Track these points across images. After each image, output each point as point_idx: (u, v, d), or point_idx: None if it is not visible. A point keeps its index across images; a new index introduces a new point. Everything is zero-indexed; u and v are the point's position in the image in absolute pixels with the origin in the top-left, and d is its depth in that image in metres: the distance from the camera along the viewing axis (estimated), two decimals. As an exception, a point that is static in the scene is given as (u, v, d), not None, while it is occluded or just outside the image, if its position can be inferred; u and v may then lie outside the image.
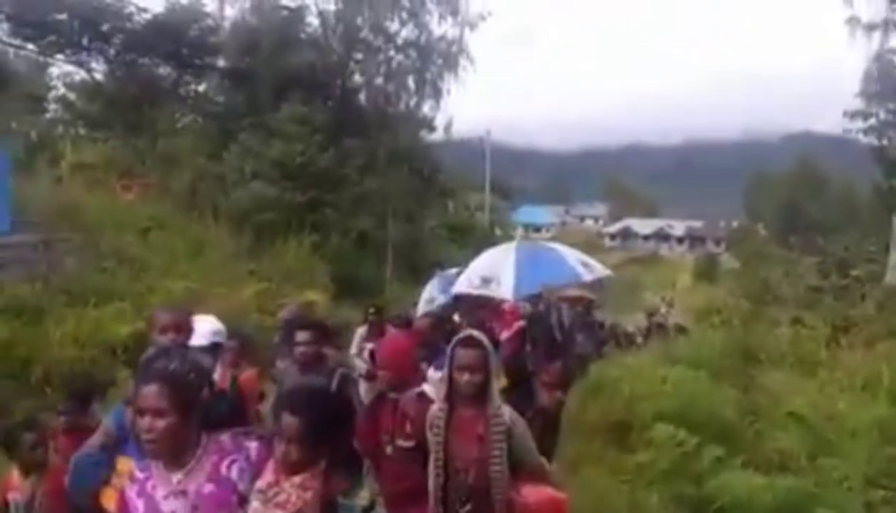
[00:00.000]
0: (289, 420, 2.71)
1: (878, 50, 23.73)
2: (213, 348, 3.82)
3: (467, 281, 8.51)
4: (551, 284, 8.27)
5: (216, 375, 3.82)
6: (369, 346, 6.84)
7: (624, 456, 6.65)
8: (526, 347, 6.69)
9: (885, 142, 24.25)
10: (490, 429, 3.18)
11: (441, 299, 10.30)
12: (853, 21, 23.79)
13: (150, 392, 2.44)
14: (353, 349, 7.56)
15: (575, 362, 6.84)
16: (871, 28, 23.49)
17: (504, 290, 7.87)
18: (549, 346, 6.49)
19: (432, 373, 5.53)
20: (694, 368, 7.92)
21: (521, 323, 7.18)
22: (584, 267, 8.24)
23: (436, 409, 3.34)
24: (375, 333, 7.24)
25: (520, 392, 6.11)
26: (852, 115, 24.94)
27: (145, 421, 2.42)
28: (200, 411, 2.59)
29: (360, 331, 7.72)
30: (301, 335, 4.55)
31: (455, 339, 3.34)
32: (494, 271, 8.10)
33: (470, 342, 3.29)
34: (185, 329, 3.69)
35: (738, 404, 6.79)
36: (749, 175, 70.37)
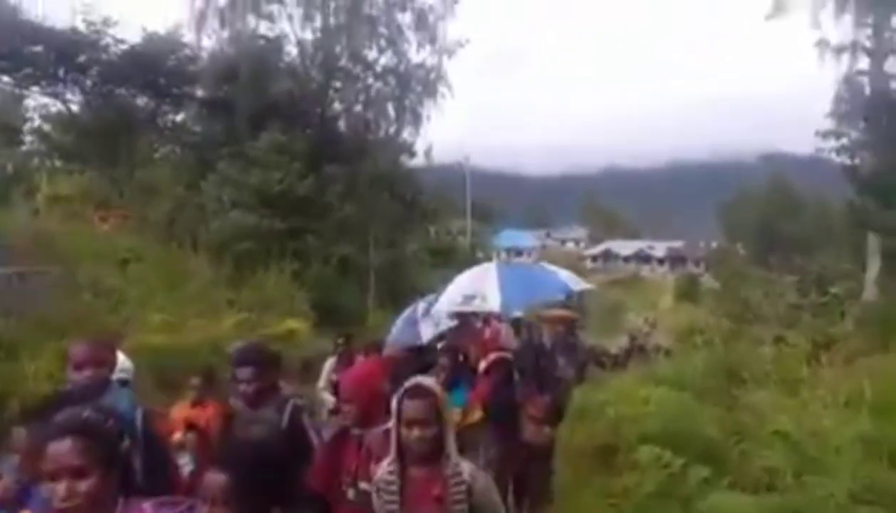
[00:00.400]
0: (212, 478, 2.26)
1: (846, 72, 24.29)
2: (120, 387, 3.40)
3: (449, 300, 8.11)
4: (541, 297, 8.08)
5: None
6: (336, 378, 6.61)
7: (611, 479, 6.61)
8: (513, 376, 6.33)
9: (857, 161, 24.62)
10: (448, 489, 2.82)
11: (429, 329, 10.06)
12: (822, 44, 24.38)
13: (65, 449, 1.96)
14: (322, 382, 7.22)
15: (565, 394, 6.51)
16: (839, 50, 24.06)
17: (491, 304, 7.52)
18: (537, 376, 6.12)
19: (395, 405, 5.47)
20: (677, 389, 7.91)
21: (500, 354, 6.78)
22: (572, 280, 8.00)
23: (384, 471, 2.93)
24: (345, 364, 6.91)
25: (506, 427, 5.81)
26: (824, 135, 25.31)
27: (61, 487, 1.93)
28: (121, 468, 2.16)
29: (329, 362, 7.35)
30: (241, 372, 4.05)
31: (401, 389, 2.90)
32: (478, 288, 7.71)
33: (417, 392, 2.87)
34: (107, 363, 3.28)
35: (722, 423, 6.77)
36: (726, 195, 71.23)
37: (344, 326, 16.14)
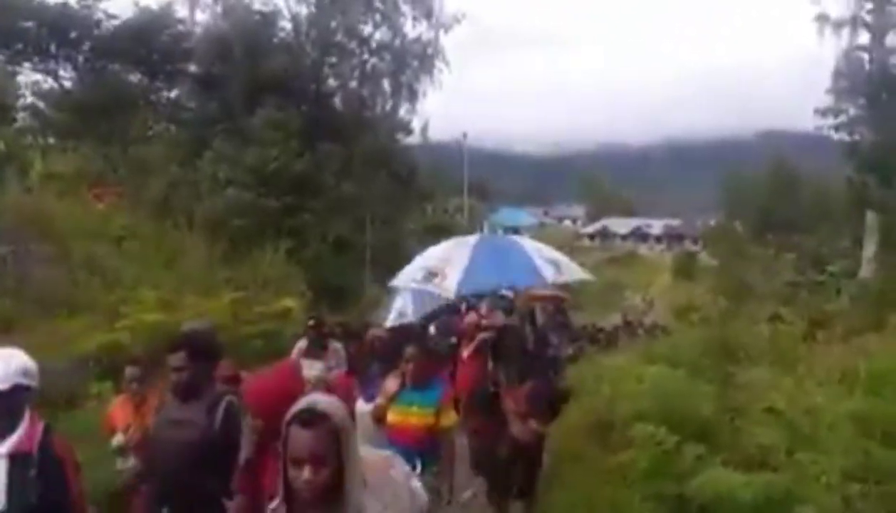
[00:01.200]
0: None
1: (846, 47, 24.14)
2: (17, 393, 2.89)
3: (408, 275, 7.07)
4: (504, 285, 7.13)
5: (22, 431, 2.90)
6: (312, 364, 6.24)
7: (605, 456, 6.63)
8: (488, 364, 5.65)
9: (856, 138, 24.54)
10: None
11: (410, 313, 9.78)
12: (822, 18, 24.21)
13: None
14: None
15: (557, 379, 5.74)
16: (839, 25, 23.89)
17: (447, 285, 6.44)
18: (518, 363, 5.36)
19: (361, 406, 4.84)
20: (673, 366, 7.91)
21: (484, 336, 6.06)
22: (553, 266, 6.72)
23: None
24: (316, 347, 6.49)
25: (495, 421, 5.30)
26: (823, 112, 25.23)
27: None
28: None
29: (299, 345, 6.75)
30: (173, 358, 3.61)
31: (291, 413, 2.15)
32: (443, 264, 6.65)
33: (308, 418, 2.10)
34: None
35: (717, 401, 6.77)
36: (724, 173, 71.17)
37: (340, 304, 16.16)
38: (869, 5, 23.43)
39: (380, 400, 4.53)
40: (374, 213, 22.47)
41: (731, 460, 5.68)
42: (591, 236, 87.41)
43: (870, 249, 22.51)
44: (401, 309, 10.08)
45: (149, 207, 16.72)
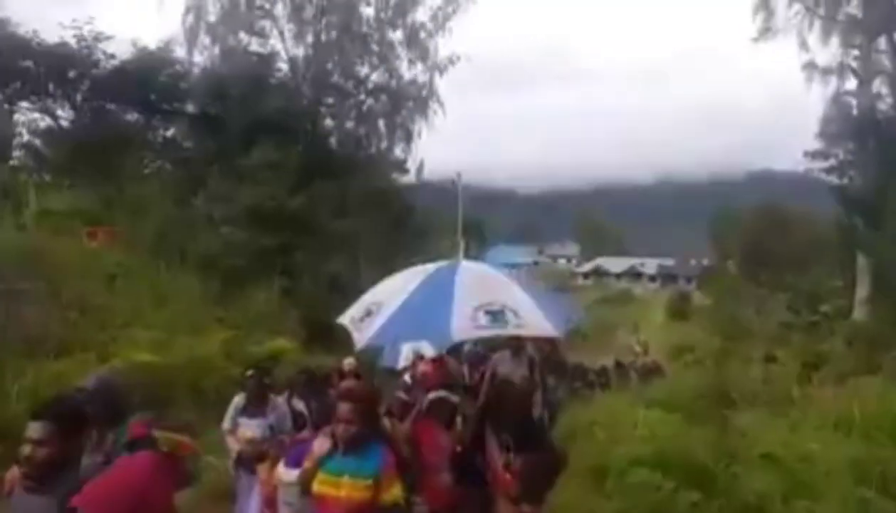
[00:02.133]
0: None
1: (834, 93, 24.60)
2: None
3: (348, 314, 5.80)
4: (413, 341, 6.65)
5: None
6: (249, 423, 5.83)
7: (601, 502, 6.54)
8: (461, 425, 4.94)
9: (845, 180, 24.87)
10: None
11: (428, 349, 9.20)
12: (810, 66, 24.72)
13: None
14: (226, 424, 6.04)
15: (556, 457, 4.85)
16: (827, 72, 24.39)
17: (364, 330, 5.22)
18: (515, 430, 4.62)
19: (282, 472, 4.44)
20: (668, 410, 7.88)
21: (439, 394, 5.19)
22: (490, 317, 4.80)
23: None
24: (255, 403, 5.95)
25: (472, 497, 4.77)
26: (813, 155, 25.64)
27: None
28: None
29: (236, 400, 6.12)
30: (31, 428, 2.70)
31: None
32: (382, 299, 5.52)
33: None
34: None
35: (713, 445, 6.73)
36: (716, 213, 71.69)
37: (334, 344, 16.03)
38: (855, 53, 23.94)
39: (307, 464, 3.80)
40: (369, 252, 22.47)
41: (728, 508, 5.63)
42: (586, 275, 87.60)
43: (862, 291, 22.60)
44: (416, 347, 9.43)
45: (143, 245, 16.66)
